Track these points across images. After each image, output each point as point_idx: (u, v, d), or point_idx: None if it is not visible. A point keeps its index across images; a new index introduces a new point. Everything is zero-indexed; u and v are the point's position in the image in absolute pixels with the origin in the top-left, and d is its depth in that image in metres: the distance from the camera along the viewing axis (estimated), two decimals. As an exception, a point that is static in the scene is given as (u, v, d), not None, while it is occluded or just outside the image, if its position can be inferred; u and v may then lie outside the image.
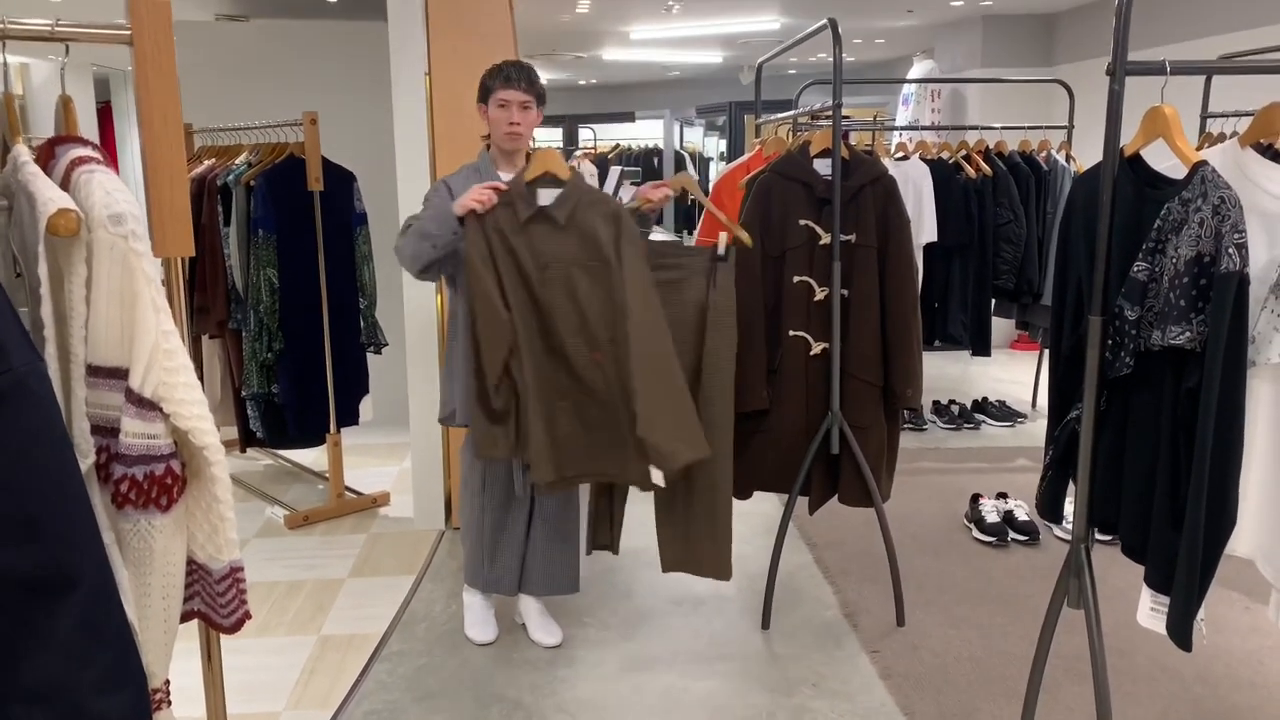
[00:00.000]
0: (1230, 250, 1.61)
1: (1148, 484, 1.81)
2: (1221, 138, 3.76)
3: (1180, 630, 1.73)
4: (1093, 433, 1.85)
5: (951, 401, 5.38)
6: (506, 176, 2.68)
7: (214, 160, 4.11)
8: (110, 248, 1.14)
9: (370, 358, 4.03)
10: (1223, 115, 3.77)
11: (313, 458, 4.61)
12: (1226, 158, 1.83)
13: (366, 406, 4.03)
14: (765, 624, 3.02)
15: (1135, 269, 1.76)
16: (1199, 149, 2.31)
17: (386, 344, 4.03)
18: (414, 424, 3.74)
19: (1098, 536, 2.03)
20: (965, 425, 5.22)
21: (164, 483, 1.15)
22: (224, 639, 1.52)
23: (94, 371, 1.17)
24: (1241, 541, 1.85)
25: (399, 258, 2.65)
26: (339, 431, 3.95)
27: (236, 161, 3.95)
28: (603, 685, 2.69)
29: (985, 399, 5.40)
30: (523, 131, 2.70)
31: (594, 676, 2.74)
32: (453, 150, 3.60)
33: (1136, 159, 1.89)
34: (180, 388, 1.13)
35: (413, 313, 3.66)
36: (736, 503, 4.00)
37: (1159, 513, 1.77)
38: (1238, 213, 1.63)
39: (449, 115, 3.59)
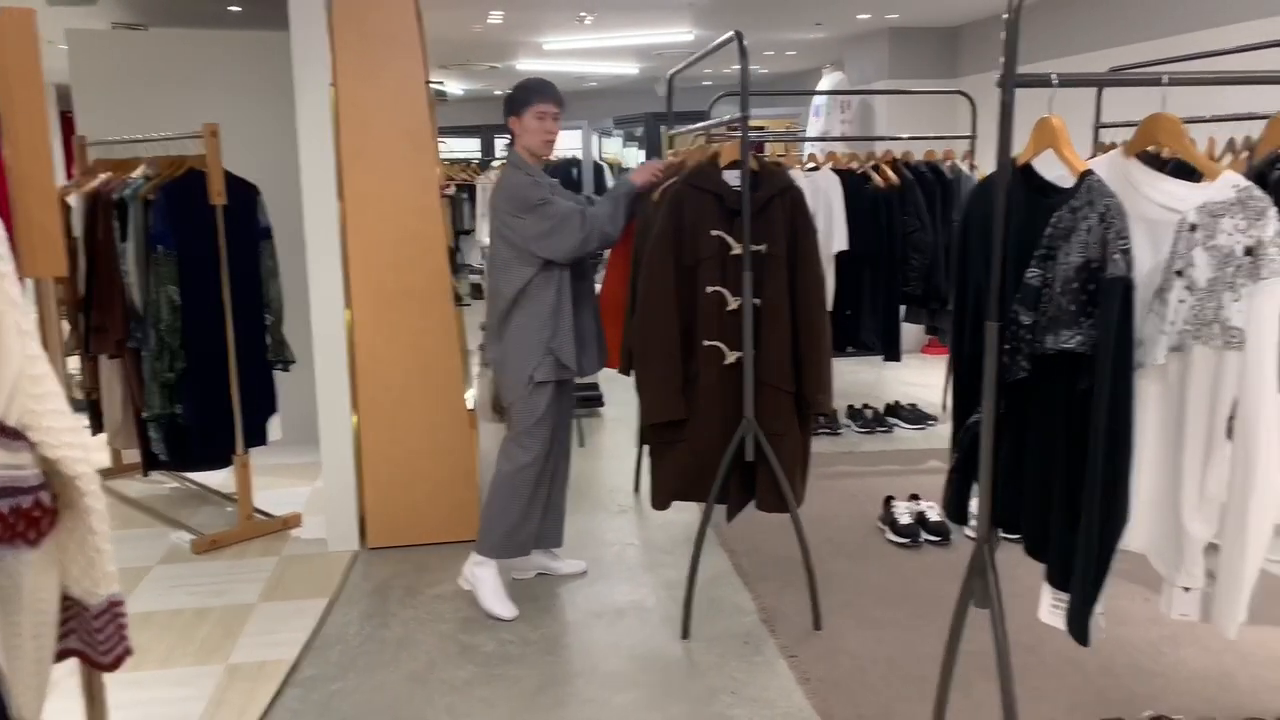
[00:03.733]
0: (1116, 256, 1.67)
1: (1046, 484, 1.86)
2: (1114, 147, 3.90)
3: (1078, 626, 1.78)
4: (993, 436, 1.89)
5: (866, 406, 5.47)
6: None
7: (110, 174, 3.96)
8: (-30, 269, 1.07)
9: (278, 375, 3.92)
10: (1114, 125, 3.91)
11: (220, 479, 4.46)
12: (1113, 167, 1.90)
13: (275, 426, 3.92)
14: (685, 633, 3.02)
15: (1029, 275, 1.81)
16: (1092, 159, 2.39)
17: (294, 361, 3.92)
18: (325, 442, 3.65)
19: (1005, 536, 2.08)
20: (879, 429, 5.32)
21: (31, 515, 1.08)
22: (121, 671, 1.45)
23: (-45, 400, 1.10)
24: (1135, 537, 1.91)
25: (589, 239, 3.00)
26: (247, 452, 3.83)
27: (133, 175, 3.81)
28: (523, 702, 2.66)
29: (898, 403, 5.51)
30: (555, 141, 3.14)
31: (514, 694, 2.70)
32: (361, 163, 3.54)
33: (1028, 168, 1.94)
34: (48, 415, 1.07)
35: (321, 328, 3.58)
36: (655, 514, 4.02)
37: (1056, 512, 1.82)
38: (1122, 220, 1.68)
39: (356, 128, 3.52)
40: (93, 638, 1.22)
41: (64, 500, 1.14)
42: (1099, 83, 1.88)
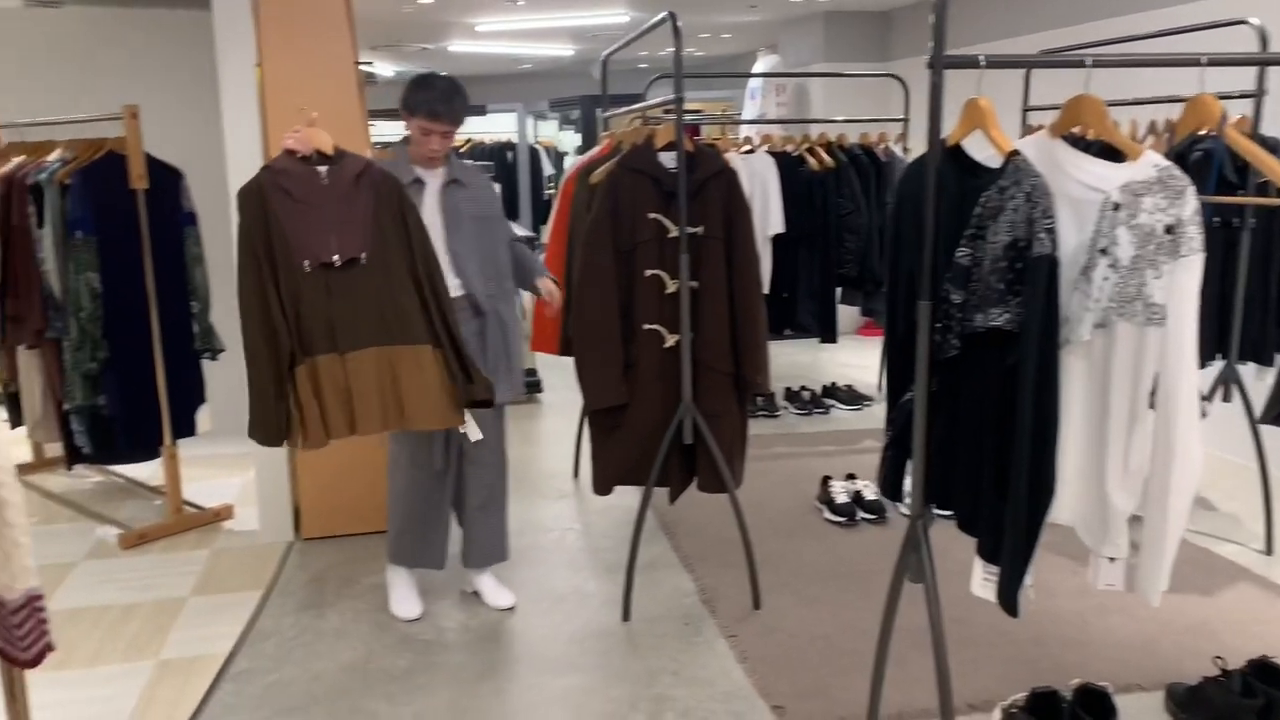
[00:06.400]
0: (1041, 235, 1.70)
1: (977, 460, 1.90)
2: (1041, 129, 3.98)
3: (1008, 597, 1.82)
4: (925, 413, 1.92)
5: (803, 388, 5.53)
6: (421, 171, 2.91)
7: (24, 158, 3.81)
8: None
9: (206, 364, 3.82)
10: (1042, 108, 4.00)
11: (148, 472, 4.34)
12: (1040, 148, 1.93)
13: (204, 416, 3.83)
14: (626, 616, 3.03)
15: (958, 254, 1.84)
16: (1020, 140, 2.43)
17: (223, 349, 3.82)
18: (257, 432, 3.57)
19: (939, 512, 2.12)
20: (816, 410, 5.38)
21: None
22: (47, 670, 1.40)
23: None
24: (1063, 510, 1.96)
25: None
26: (175, 443, 3.73)
27: (49, 159, 3.67)
28: (462, 690, 2.64)
29: (835, 384, 5.58)
30: (440, 154, 2.90)
31: (453, 682, 2.68)
32: (289, 145, 3.44)
33: (958, 149, 1.97)
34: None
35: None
36: (594, 499, 4.01)
37: (987, 487, 1.86)
38: (1047, 199, 1.72)
39: (284, 109, 3.43)
40: (11, 634, 1.18)
41: (-24, 493, 1.10)
42: (1026, 64, 1.91)
